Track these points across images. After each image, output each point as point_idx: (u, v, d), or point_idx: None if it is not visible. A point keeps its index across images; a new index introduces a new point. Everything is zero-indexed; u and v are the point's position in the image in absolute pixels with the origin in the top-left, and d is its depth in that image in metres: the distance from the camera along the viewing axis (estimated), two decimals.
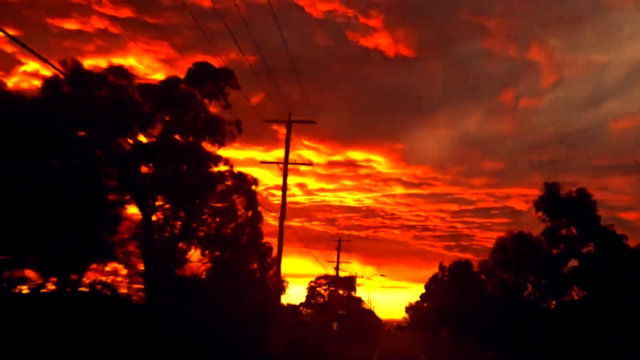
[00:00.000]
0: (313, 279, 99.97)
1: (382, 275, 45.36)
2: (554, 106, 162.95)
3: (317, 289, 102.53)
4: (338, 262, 47.57)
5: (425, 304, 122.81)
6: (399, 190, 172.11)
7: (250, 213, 26.99)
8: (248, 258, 28.20)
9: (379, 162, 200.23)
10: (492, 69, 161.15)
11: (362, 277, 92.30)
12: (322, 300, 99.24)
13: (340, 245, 67.04)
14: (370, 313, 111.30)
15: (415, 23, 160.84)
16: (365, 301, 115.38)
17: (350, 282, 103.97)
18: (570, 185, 48.40)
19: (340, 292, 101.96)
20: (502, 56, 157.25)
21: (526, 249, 48.53)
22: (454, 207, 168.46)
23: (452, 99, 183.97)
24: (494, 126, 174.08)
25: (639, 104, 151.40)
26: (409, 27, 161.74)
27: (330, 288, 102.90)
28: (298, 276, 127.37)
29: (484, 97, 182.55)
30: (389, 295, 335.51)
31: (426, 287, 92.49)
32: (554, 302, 47.96)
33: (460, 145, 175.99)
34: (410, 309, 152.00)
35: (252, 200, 26.65)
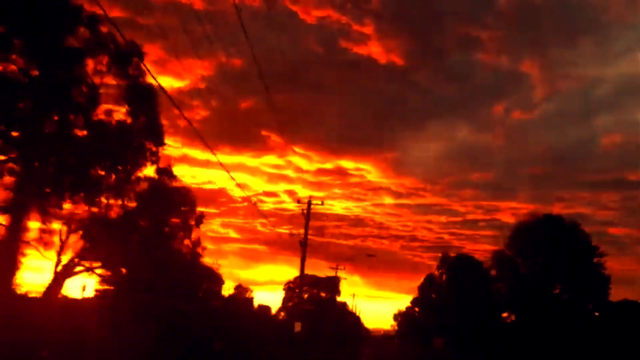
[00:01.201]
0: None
1: (370, 255, 33.93)
2: (544, 120, 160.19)
3: (296, 290, 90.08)
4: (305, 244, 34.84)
5: (416, 310, 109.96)
6: (388, 200, 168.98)
7: None
8: None
9: (369, 171, 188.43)
10: (484, 81, 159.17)
11: (345, 279, 79.16)
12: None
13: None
14: (353, 318, 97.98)
15: (408, 33, 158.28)
16: (352, 308, 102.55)
17: (332, 284, 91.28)
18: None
19: (322, 295, 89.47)
20: (494, 68, 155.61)
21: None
22: (442, 219, 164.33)
23: (443, 109, 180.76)
24: (485, 138, 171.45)
25: (631, 119, 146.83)
26: (402, 36, 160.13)
27: (313, 290, 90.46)
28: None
29: (475, 109, 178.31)
30: (376, 305, 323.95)
31: (420, 288, 79.46)
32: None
33: (450, 156, 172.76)
34: (399, 316, 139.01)
35: None
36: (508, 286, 46.86)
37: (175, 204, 25.45)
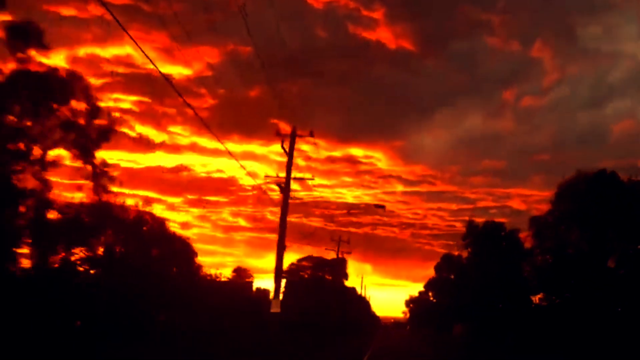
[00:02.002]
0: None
1: (379, 207, 25.99)
2: (555, 105, 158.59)
3: (300, 273, 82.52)
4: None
5: (430, 295, 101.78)
6: (399, 187, 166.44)
7: None
8: None
9: (379, 159, 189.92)
10: (494, 66, 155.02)
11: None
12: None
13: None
14: (362, 303, 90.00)
15: (417, 17, 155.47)
16: (361, 292, 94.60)
17: (339, 267, 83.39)
18: None
19: (328, 278, 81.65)
20: (505, 53, 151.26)
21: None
22: (453, 206, 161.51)
23: (453, 95, 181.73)
24: (495, 125, 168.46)
25: None
26: (411, 21, 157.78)
27: (318, 274, 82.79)
28: None
29: (486, 95, 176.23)
30: (386, 293, 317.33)
31: (437, 268, 70.94)
32: None
33: (460, 143, 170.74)
34: (411, 302, 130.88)
35: None
36: (547, 260, 38.40)
37: None
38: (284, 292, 74.10)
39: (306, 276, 77.79)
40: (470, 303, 56.99)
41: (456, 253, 63.77)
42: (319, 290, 65.73)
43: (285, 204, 20.39)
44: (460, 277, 58.46)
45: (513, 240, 48.68)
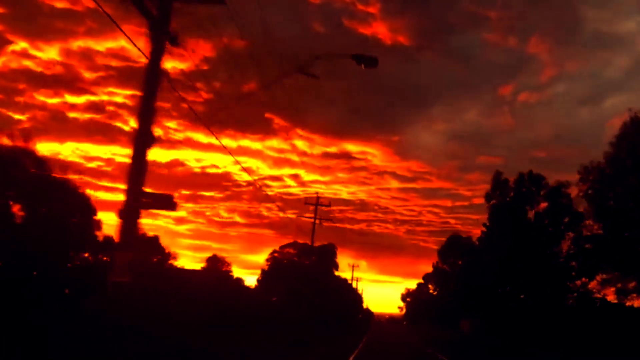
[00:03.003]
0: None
1: (310, 75, 15.70)
2: (553, 101, 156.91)
3: (284, 262, 71.91)
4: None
5: (430, 287, 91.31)
6: (394, 184, 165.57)
7: None
8: None
9: (374, 155, 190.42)
10: (491, 61, 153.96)
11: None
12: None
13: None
14: (354, 296, 79.24)
15: (414, 11, 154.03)
16: (353, 284, 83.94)
17: (327, 255, 72.88)
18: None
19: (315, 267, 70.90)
20: (502, 49, 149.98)
21: None
22: (448, 203, 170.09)
23: (450, 91, 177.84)
24: (492, 121, 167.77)
25: None
26: (407, 15, 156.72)
27: (305, 262, 72.33)
28: None
29: (482, 91, 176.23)
30: (381, 290, 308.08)
31: (440, 253, 60.12)
32: None
33: (456, 139, 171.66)
34: (408, 295, 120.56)
35: None
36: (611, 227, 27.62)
37: None
38: (258, 283, 63.63)
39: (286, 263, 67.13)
40: (483, 293, 46.65)
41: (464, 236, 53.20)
42: (299, 281, 55.02)
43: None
44: (471, 262, 48.06)
45: (557, 200, 37.34)
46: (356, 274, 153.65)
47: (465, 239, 54.04)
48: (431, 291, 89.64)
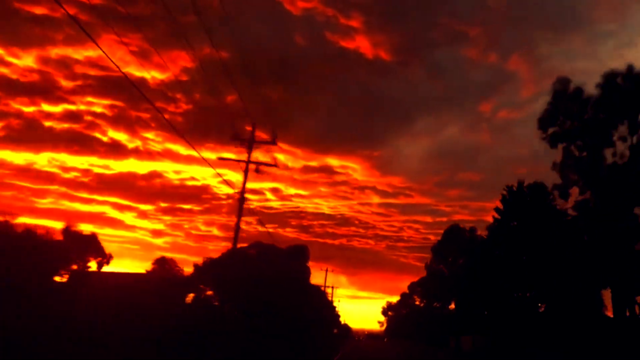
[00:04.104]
0: None
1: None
2: (532, 118, 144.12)
3: (247, 264, 59.30)
4: None
5: (416, 299, 79.61)
6: (375, 199, 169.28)
7: None
8: None
9: (355, 169, 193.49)
10: (472, 78, 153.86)
11: None
12: None
13: None
14: (326, 305, 66.82)
15: (396, 26, 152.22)
16: (327, 294, 71.67)
17: (299, 256, 60.71)
18: None
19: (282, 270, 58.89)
20: (483, 65, 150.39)
21: None
22: (428, 219, 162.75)
23: (431, 107, 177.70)
24: (472, 137, 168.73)
25: None
26: (389, 30, 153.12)
27: (276, 262, 60.23)
28: None
29: (463, 107, 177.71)
30: (360, 306, 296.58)
31: (435, 251, 48.01)
32: None
33: (437, 155, 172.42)
34: (389, 309, 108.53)
35: None
36: None
37: None
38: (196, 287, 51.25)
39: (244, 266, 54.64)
40: (493, 301, 35.40)
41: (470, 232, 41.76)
42: (258, 286, 42.90)
43: None
44: (477, 259, 36.80)
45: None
46: (336, 291, 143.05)
47: (469, 231, 42.99)
48: (417, 302, 78.11)
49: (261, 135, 20.12)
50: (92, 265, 61.33)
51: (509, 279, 34.01)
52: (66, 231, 61.96)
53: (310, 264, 60.34)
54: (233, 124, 18.58)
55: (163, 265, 56.57)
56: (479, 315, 36.61)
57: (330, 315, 79.01)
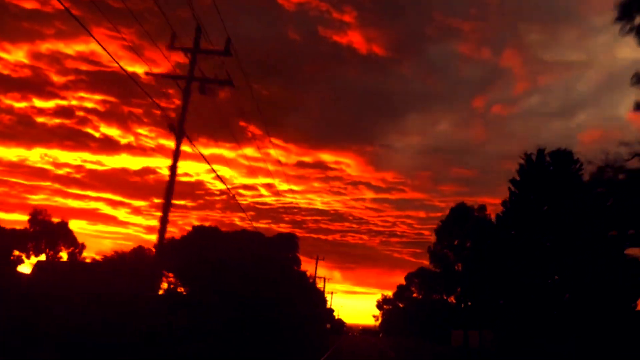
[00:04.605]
0: None
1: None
2: (525, 114, 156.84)
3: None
4: None
5: (413, 290, 74.06)
6: (369, 194, 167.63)
7: None
8: None
9: (349, 165, 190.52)
10: (465, 73, 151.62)
11: None
12: None
13: None
14: (317, 295, 61.11)
15: (389, 22, 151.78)
16: (318, 283, 66.00)
17: (285, 246, 55.23)
18: None
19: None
20: (476, 61, 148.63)
21: None
22: (422, 214, 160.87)
23: (424, 102, 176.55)
24: (465, 133, 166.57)
25: (611, 114, 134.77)
26: (383, 25, 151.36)
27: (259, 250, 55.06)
28: None
29: (456, 103, 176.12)
30: (354, 301, 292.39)
31: (439, 233, 41.76)
32: None
33: (430, 151, 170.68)
34: (385, 302, 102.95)
35: None
36: None
37: None
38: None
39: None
40: (510, 291, 29.92)
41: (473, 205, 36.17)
42: (226, 273, 37.18)
43: None
44: (490, 244, 31.17)
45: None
46: (331, 286, 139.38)
47: (477, 210, 37.48)
48: (415, 295, 72.67)
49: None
50: (64, 256, 54.52)
51: (527, 262, 28.55)
52: (33, 220, 54.66)
53: (303, 258, 54.73)
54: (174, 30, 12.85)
55: (142, 253, 50.99)
56: (491, 306, 31.15)
57: (322, 309, 73.40)
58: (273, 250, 47.08)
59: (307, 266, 59.18)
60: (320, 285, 68.52)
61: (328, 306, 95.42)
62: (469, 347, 37.81)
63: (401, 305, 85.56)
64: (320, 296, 66.08)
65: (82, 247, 54.26)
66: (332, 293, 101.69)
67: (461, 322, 39.87)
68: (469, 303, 37.48)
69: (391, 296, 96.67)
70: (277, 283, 38.93)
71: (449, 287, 42.45)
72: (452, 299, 47.10)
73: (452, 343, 50.06)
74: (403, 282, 78.33)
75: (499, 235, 30.88)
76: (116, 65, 9.41)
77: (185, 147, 12.80)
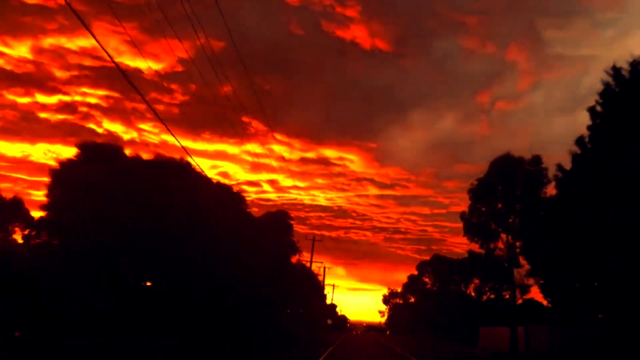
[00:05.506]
0: None
1: None
2: (530, 109, 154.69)
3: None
4: None
5: (427, 281, 64.09)
6: (372, 190, 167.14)
7: None
8: None
9: (352, 161, 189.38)
10: (470, 68, 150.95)
11: None
12: None
13: None
14: (311, 283, 50.69)
15: (393, 16, 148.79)
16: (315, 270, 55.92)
17: (276, 228, 45.50)
18: None
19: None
20: (480, 55, 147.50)
21: None
22: (426, 210, 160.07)
23: (428, 97, 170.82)
24: (469, 128, 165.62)
25: None
26: (387, 20, 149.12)
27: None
28: None
29: (460, 98, 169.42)
30: (358, 298, 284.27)
31: (476, 194, 30.16)
32: None
33: (434, 146, 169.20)
34: (392, 296, 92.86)
35: None
36: None
37: None
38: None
39: None
40: (589, 271, 20.02)
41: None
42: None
43: None
44: (556, 202, 21.09)
45: None
46: (334, 281, 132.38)
47: (530, 163, 27.31)
48: (429, 286, 62.69)
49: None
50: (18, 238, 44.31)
51: (618, 227, 18.62)
52: None
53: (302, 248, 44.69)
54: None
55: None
56: (564, 291, 21.11)
57: (321, 303, 63.43)
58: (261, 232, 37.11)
59: (306, 257, 49.30)
60: (320, 277, 58.59)
61: (329, 302, 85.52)
62: (517, 350, 27.75)
63: (412, 300, 75.77)
64: (317, 287, 56.00)
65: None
66: (333, 286, 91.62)
67: (504, 317, 29.78)
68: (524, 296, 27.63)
69: (400, 290, 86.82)
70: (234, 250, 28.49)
71: (489, 271, 32.05)
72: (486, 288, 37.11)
73: (479, 343, 40.28)
74: (417, 266, 68.50)
75: (574, 188, 20.88)
76: (119, 60, 3.93)
77: (188, 143, 4.33)
